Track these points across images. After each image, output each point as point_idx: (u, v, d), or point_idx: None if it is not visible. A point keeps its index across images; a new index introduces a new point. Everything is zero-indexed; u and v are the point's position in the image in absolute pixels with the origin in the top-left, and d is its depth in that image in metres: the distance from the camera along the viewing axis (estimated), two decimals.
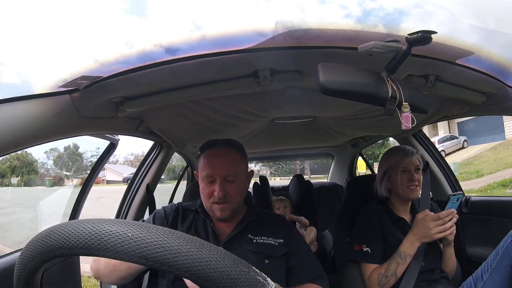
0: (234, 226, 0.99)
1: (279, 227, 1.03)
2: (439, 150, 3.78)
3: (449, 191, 1.72)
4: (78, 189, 1.49)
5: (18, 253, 0.36)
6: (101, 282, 1.59)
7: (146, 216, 1.72)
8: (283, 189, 3.08)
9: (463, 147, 13.66)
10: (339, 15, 0.74)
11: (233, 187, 0.96)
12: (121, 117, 1.05)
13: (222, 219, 0.96)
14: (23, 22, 0.69)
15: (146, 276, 1.01)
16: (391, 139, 5.77)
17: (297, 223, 2.24)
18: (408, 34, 0.65)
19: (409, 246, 1.14)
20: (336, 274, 1.48)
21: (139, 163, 1.83)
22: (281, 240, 0.99)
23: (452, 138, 13.81)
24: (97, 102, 0.91)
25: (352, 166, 3.12)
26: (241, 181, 0.99)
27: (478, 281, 1.05)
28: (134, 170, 2.37)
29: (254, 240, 0.97)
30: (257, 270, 0.31)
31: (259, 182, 2.60)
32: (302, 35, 0.76)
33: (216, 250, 0.31)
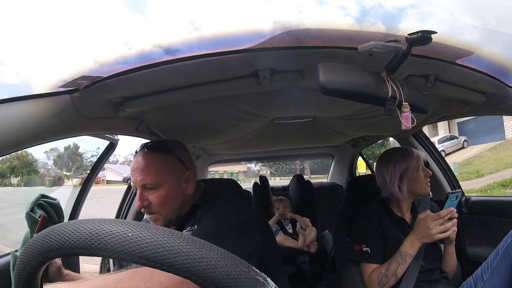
0: None
1: (199, 213, 0.90)
2: (439, 150, 3.78)
3: (449, 191, 1.72)
4: (77, 189, 1.50)
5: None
6: None
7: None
8: (283, 189, 3.08)
9: (463, 147, 13.65)
10: (339, 14, 0.74)
11: (155, 197, 0.86)
12: (121, 117, 1.04)
13: None
14: (23, 22, 0.69)
15: None
16: (391, 139, 5.77)
17: (298, 223, 2.25)
18: (408, 34, 0.65)
19: (410, 246, 1.14)
20: (336, 274, 1.48)
21: None
22: (195, 226, 0.89)
23: (452, 138, 13.81)
24: (97, 102, 0.91)
25: (352, 166, 3.12)
26: (168, 188, 0.87)
27: (478, 281, 1.05)
28: None
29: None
30: (257, 270, 0.31)
31: (259, 182, 2.60)
32: (302, 35, 0.76)
33: (216, 250, 0.31)
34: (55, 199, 0.88)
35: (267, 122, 1.64)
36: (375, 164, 2.06)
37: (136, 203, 0.86)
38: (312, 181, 3.05)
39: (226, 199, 0.95)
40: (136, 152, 0.94)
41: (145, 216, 0.96)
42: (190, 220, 0.92)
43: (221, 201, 0.93)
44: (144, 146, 0.93)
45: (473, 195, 1.68)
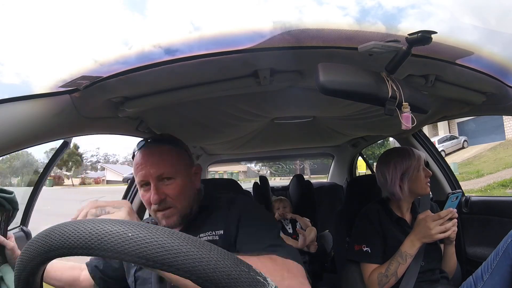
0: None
1: (220, 216, 0.89)
2: (439, 150, 3.78)
3: (449, 191, 1.72)
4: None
5: None
6: None
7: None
8: (283, 189, 3.08)
9: (463, 147, 13.67)
10: (339, 14, 0.74)
11: (172, 188, 0.84)
12: (121, 117, 1.04)
13: (171, 228, 0.85)
14: (23, 22, 0.69)
15: None
16: (391, 139, 5.77)
17: (298, 223, 2.25)
18: (408, 34, 0.65)
19: (410, 246, 1.14)
20: (336, 274, 1.48)
21: None
22: (221, 232, 0.86)
23: (452, 138, 13.83)
24: (97, 102, 0.91)
25: (352, 166, 3.12)
26: (182, 179, 0.86)
27: (478, 281, 1.05)
28: None
29: None
30: (257, 270, 0.31)
31: (259, 182, 2.60)
32: (302, 35, 0.76)
33: (216, 250, 0.31)
34: (11, 193, 0.88)
35: (267, 122, 1.64)
36: (375, 164, 2.06)
37: (152, 198, 0.81)
38: (312, 181, 3.05)
39: (242, 193, 0.97)
40: (136, 149, 0.91)
41: (145, 216, 0.95)
42: (206, 220, 0.89)
43: (240, 198, 0.95)
44: (149, 140, 0.90)
45: (473, 195, 1.68)
